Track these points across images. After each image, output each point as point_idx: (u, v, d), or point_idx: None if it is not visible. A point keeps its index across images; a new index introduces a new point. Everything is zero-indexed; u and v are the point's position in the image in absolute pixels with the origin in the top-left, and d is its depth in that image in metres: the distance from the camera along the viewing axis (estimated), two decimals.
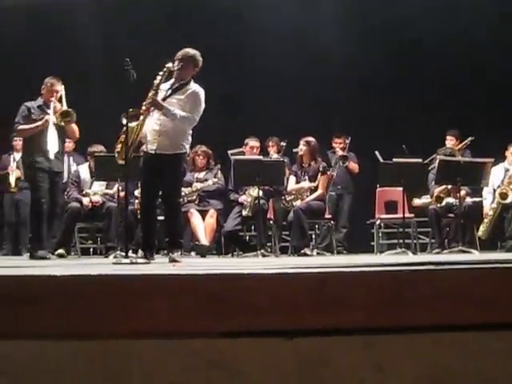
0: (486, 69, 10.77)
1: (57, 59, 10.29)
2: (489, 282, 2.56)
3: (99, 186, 9.33)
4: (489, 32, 10.74)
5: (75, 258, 9.03)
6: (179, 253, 6.67)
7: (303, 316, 2.49)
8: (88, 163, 9.44)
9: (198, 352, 2.46)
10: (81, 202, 9.12)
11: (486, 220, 9.27)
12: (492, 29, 10.72)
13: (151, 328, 2.47)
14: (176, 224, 6.76)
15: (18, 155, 10.48)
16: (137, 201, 8.88)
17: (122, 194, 8.06)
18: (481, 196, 9.43)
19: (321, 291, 2.51)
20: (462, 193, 8.93)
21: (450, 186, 9.02)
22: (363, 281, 2.57)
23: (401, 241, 9.06)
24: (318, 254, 9.10)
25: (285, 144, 9.71)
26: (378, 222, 9.66)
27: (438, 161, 8.84)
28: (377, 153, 9.68)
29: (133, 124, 6.34)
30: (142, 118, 6.43)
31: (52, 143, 7.71)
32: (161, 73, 6.51)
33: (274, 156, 9.30)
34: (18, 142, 10.36)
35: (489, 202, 9.33)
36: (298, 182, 9.19)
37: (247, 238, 9.71)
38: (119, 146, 6.54)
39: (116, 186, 8.88)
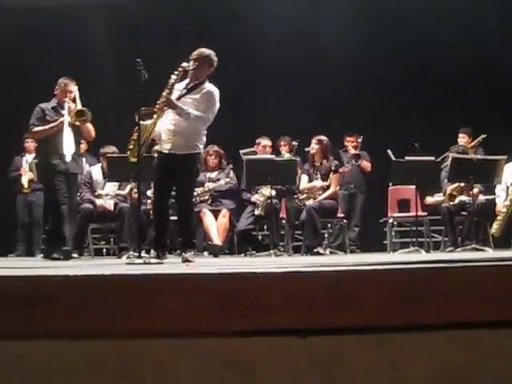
0: (500, 66, 10.73)
1: (69, 60, 10.31)
2: (502, 280, 2.55)
3: (111, 187, 9.35)
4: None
5: (88, 258, 9.05)
6: (192, 253, 6.67)
7: (317, 315, 2.48)
8: (100, 164, 9.45)
9: (210, 351, 2.46)
10: (93, 203, 9.14)
11: (499, 217, 9.21)
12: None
13: (164, 327, 2.47)
14: (189, 224, 6.76)
15: (30, 157, 10.52)
16: (149, 201, 8.89)
17: (135, 194, 8.06)
18: (494, 193, 9.38)
19: (335, 290, 2.50)
20: (475, 190, 8.89)
21: (462, 184, 8.98)
22: (377, 279, 2.56)
23: (414, 239, 9.04)
24: (330, 252, 9.10)
25: (296, 143, 9.71)
26: (390, 220, 9.64)
27: (450, 159, 8.81)
28: (389, 151, 9.65)
29: (146, 122, 6.35)
30: (155, 116, 6.43)
31: (68, 144, 7.59)
32: (176, 72, 6.52)
33: (286, 155, 9.29)
34: (29, 144, 10.41)
35: (502, 200, 9.28)
36: (310, 180, 9.18)
37: (260, 237, 9.71)
38: (132, 144, 6.55)
39: (128, 186, 8.90)
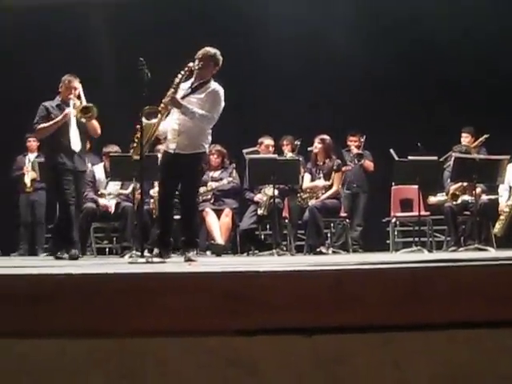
0: (501, 67, 10.72)
1: (71, 59, 10.31)
2: (505, 280, 2.55)
3: (114, 186, 9.35)
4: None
5: (91, 257, 9.05)
6: (195, 252, 6.68)
7: (320, 314, 2.48)
8: (103, 163, 9.45)
9: (213, 350, 2.46)
10: (96, 203, 9.15)
11: (501, 217, 9.21)
12: None
13: (167, 326, 2.47)
14: (192, 223, 6.77)
15: (32, 156, 10.53)
16: (152, 200, 8.90)
17: (138, 194, 8.06)
18: (496, 193, 9.37)
19: (337, 289, 2.50)
20: (478, 190, 8.89)
21: (465, 184, 8.99)
22: (379, 278, 2.56)
23: (416, 239, 9.03)
24: (333, 252, 9.11)
25: (299, 143, 9.72)
26: (393, 220, 9.66)
27: (453, 158, 8.80)
28: (392, 151, 9.66)
29: (150, 121, 6.35)
30: (159, 115, 6.43)
31: (75, 141, 7.54)
32: (182, 71, 6.52)
33: (289, 155, 9.29)
34: (31, 143, 10.43)
35: (505, 200, 9.28)
36: (312, 179, 9.19)
37: (263, 236, 9.72)
38: (135, 142, 6.54)
39: (131, 186, 8.90)
